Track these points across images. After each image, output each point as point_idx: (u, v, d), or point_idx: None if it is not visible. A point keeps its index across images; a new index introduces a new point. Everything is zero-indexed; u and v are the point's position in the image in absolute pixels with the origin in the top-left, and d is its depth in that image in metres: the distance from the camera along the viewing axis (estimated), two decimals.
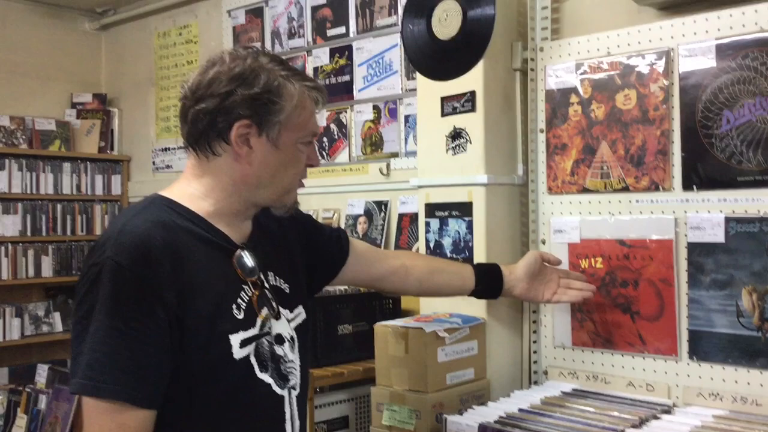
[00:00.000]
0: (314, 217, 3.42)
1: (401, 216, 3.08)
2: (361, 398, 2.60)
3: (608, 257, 2.16)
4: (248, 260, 1.36)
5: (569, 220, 2.26)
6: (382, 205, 3.16)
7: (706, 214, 1.97)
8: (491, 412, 1.98)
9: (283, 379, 1.37)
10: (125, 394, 1.19)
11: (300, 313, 1.49)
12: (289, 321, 1.43)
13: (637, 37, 2.12)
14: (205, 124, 1.32)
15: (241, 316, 1.31)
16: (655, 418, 1.89)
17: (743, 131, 1.91)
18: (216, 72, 1.32)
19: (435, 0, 2.33)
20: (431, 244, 2.44)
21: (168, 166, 4.48)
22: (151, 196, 1.39)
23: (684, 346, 2.02)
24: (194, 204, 1.35)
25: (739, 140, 1.92)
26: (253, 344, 1.32)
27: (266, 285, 1.39)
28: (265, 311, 1.36)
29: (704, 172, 1.98)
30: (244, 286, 1.34)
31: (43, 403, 2.87)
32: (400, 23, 2.52)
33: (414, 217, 2.94)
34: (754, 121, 1.90)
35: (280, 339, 1.39)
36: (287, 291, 1.46)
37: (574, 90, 2.25)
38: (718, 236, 1.95)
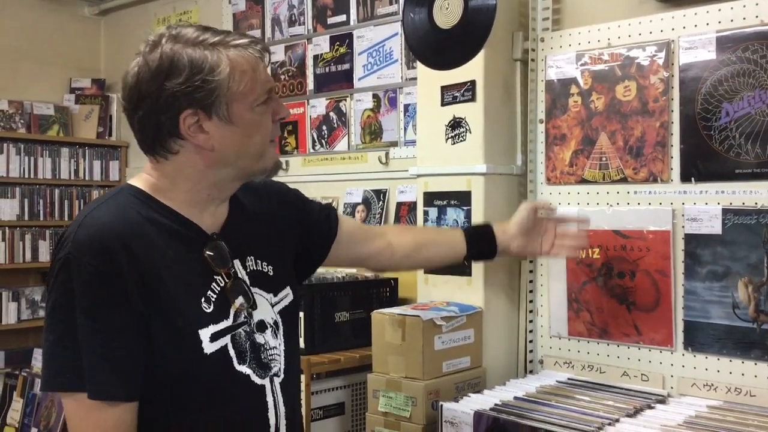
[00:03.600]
0: None
1: (399, 205, 3.08)
2: (358, 385, 2.61)
3: (605, 248, 2.17)
4: (218, 251, 1.31)
5: (567, 210, 2.26)
6: (380, 194, 3.16)
7: (704, 206, 1.98)
8: (487, 399, 1.99)
9: (263, 368, 1.33)
10: (104, 392, 1.18)
11: (286, 296, 1.44)
12: (273, 305, 1.39)
13: (638, 29, 2.12)
14: (152, 128, 1.27)
15: (210, 309, 1.27)
16: (650, 407, 1.90)
17: (742, 124, 1.92)
18: (138, 71, 1.26)
19: None
20: None
21: None
22: (122, 185, 1.35)
23: (679, 336, 2.03)
24: (163, 194, 1.31)
25: (738, 133, 1.92)
26: (228, 336, 1.28)
27: (240, 274, 1.35)
28: (239, 301, 1.31)
29: (702, 164, 1.99)
30: (216, 277, 1.30)
31: (39, 387, 2.88)
32: (401, 12, 2.51)
33: (412, 206, 2.95)
34: (753, 114, 1.90)
35: (261, 326, 1.35)
36: (271, 274, 1.41)
37: (575, 81, 2.25)
38: (715, 228, 1.96)
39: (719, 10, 1.98)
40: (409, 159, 3.00)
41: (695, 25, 2.02)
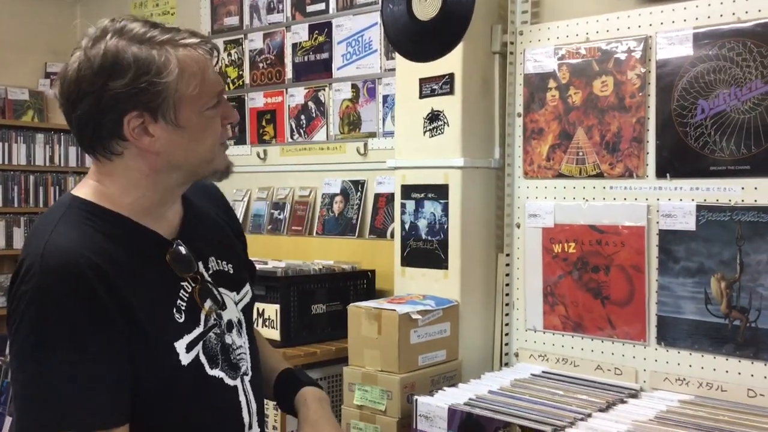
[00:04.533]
0: (291, 195, 3.42)
1: (377, 196, 3.07)
2: (334, 377, 2.61)
3: (581, 242, 2.18)
4: (182, 256, 1.25)
5: (544, 204, 2.27)
6: (358, 185, 3.15)
7: (678, 202, 1.99)
8: (461, 393, 2.00)
9: (234, 368, 1.31)
10: (99, 422, 1.11)
11: (247, 293, 1.41)
12: (236, 303, 1.36)
13: (616, 24, 2.13)
14: (92, 128, 1.18)
15: (182, 319, 1.22)
16: (622, 402, 1.92)
17: (717, 121, 1.93)
18: (79, 67, 1.16)
19: None
20: (406, 226, 2.44)
21: None
22: (66, 198, 1.25)
23: (652, 331, 2.05)
24: (114, 203, 1.22)
25: (713, 130, 1.94)
26: (200, 343, 1.24)
27: (206, 276, 1.30)
28: (208, 304, 1.27)
29: (677, 160, 2.00)
30: (182, 283, 1.25)
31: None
32: (380, 2, 2.49)
33: (390, 198, 2.94)
34: (728, 111, 1.91)
35: (229, 326, 1.31)
36: (231, 272, 1.37)
37: (553, 75, 2.25)
38: (689, 224, 1.97)
39: (697, 6, 1.99)
40: (387, 150, 2.99)
41: (673, 21, 2.02)
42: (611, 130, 2.13)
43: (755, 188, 1.87)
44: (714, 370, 1.94)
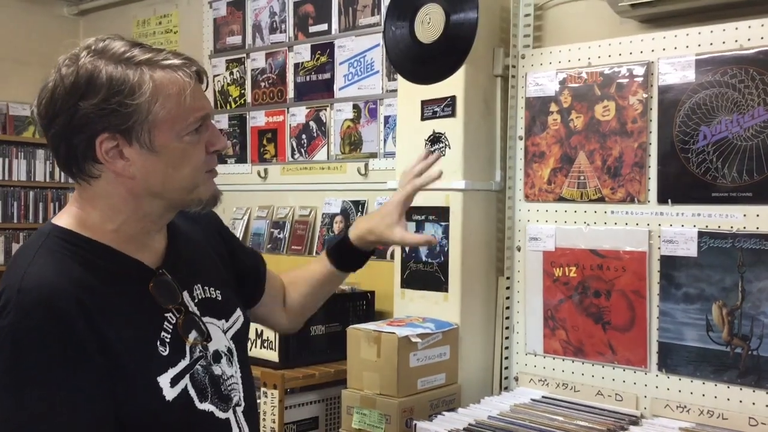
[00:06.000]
0: (291, 214, 3.41)
1: None
2: (332, 399, 2.59)
3: (582, 267, 2.17)
4: (165, 286, 1.21)
5: (545, 227, 2.27)
6: (359, 205, 3.15)
7: (680, 228, 1.99)
8: (460, 419, 1.98)
9: (225, 401, 1.26)
10: None
11: (238, 319, 1.36)
12: (225, 332, 1.31)
13: (618, 49, 2.13)
14: (65, 149, 1.14)
15: (166, 352, 1.17)
16: (623, 429, 1.90)
17: (719, 147, 1.93)
18: (54, 85, 1.13)
19: (418, 3, 2.32)
20: (407, 248, 2.43)
21: None
22: (46, 227, 1.21)
23: (653, 357, 2.03)
24: (95, 232, 1.18)
25: (715, 156, 1.93)
26: (187, 377, 1.19)
27: (190, 306, 1.25)
28: (193, 336, 1.22)
29: (679, 186, 2.00)
30: (166, 314, 1.20)
31: None
32: (382, 24, 2.50)
33: None
34: (730, 138, 1.91)
35: (216, 357, 1.27)
36: (220, 298, 1.33)
37: (554, 99, 2.25)
38: (690, 250, 1.96)
39: (699, 33, 1.99)
40: (388, 171, 2.99)
41: (675, 48, 2.03)
42: (613, 154, 2.13)
43: (757, 215, 1.87)
44: (715, 397, 1.92)
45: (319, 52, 3.31)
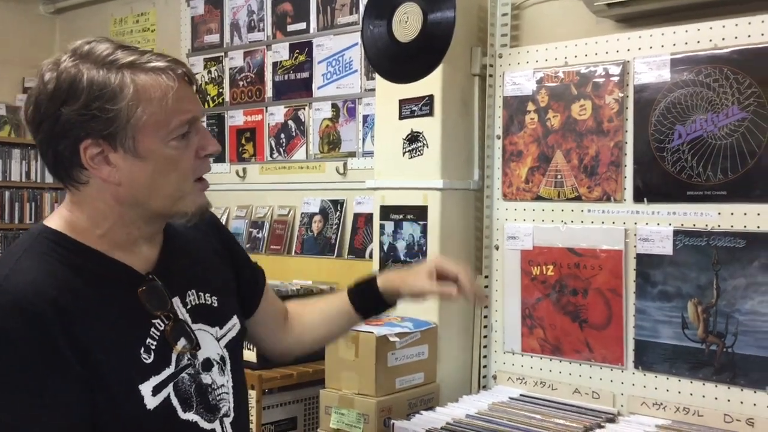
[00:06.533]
0: (270, 213, 3.40)
1: (357, 216, 3.07)
2: (310, 399, 2.59)
3: (559, 265, 2.18)
4: (154, 292, 1.18)
5: (522, 226, 2.27)
6: (338, 204, 3.14)
7: (655, 226, 2.00)
8: (439, 417, 1.98)
9: (212, 411, 1.23)
10: None
11: (233, 326, 1.33)
12: (219, 339, 1.28)
13: (595, 49, 2.14)
14: (52, 155, 1.13)
15: (150, 360, 1.15)
16: (599, 426, 1.91)
17: (694, 146, 1.94)
18: (37, 92, 1.12)
19: (396, 2, 2.32)
20: (385, 247, 2.43)
21: None
22: (37, 228, 1.20)
23: (630, 355, 2.04)
24: (84, 236, 1.16)
25: (690, 155, 1.95)
26: (170, 385, 1.17)
27: (180, 313, 1.23)
28: (181, 344, 1.20)
29: (655, 185, 2.01)
30: (154, 321, 1.18)
31: None
32: (360, 22, 2.50)
33: (369, 218, 2.93)
34: (705, 137, 1.93)
35: (207, 365, 1.24)
36: (215, 305, 1.30)
37: (532, 98, 2.26)
38: (666, 249, 1.98)
39: (674, 32, 2.00)
40: (367, 170, 2.98)
41: (650, 47, 2.04)
42: (589, 153, 2.14)
43: (731, 214, 1.88)
44: (691, 394, 1.94)
45: (297, 50, 3.30)
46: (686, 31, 1.98)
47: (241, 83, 3.53)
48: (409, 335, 2.18)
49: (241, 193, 3.54)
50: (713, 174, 1.91)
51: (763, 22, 1.86)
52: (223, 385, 1.26)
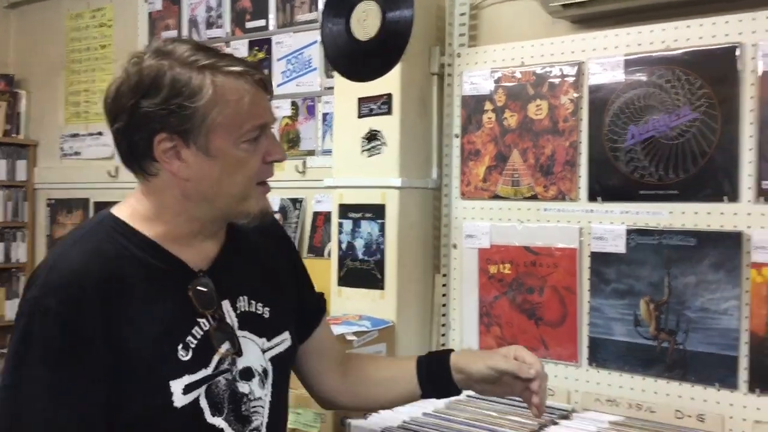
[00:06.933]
0: None
1: (316, 214, 3.05)
2: None
3: (516, 264, 2.20)
4: (203, 290, 1.20)
5: (480, 225, 2.28)
6: (297, 203, 3.13)
7: (609, 225, 2.03)
8: (395, 416, 1.98)
9: (242, 420, 1.22)
10: None
11: (283, 341, 1.32)
12: (264, 351, 1.27)
13: (550, 49, 2.16)
14: (126, 145, 1.18)
15: (188, 357, 1.15)
16: (554, 423, 1.93)
17: (647, 146, 1.97)
18: (120, 84, 1.17)
19: (354, 0, 2.31)
20: (343, 246, 2.43)
21: (77, 153, 4.30)
22: (102, 214, 1.24)
23: (584, 352, 2.07)
24: (146, 226, 1.20)
25: (643, 155, 1.98)
26: (203, 387, 1.17)
27: (228, 316, 1.23)
28: (225, 347, 1.20)
29: (608, 184, 2.04)
30: (199, 320, 1.19)
31: None
32: (320, 20, 2.49)
33: (329, 216, 2.92)
34: (657, 137, 1.96)
35: (247, 374, 1.23)
36: (266, 316, 1.29)
37: (489, 97, 2.27)
38: (619, 247, 2.00)
39: (628, 34, 2.03)
40: (326, 168, 2.96)
41: (605, 48, 2.06)
42: (545, 153, 2.16)
43: (682, 213, 1.92)
44: (643, 391, 1.97)
45: (256, 48, 3.27)
46: (639, 32, 2.01)
47: None
48: (366, 334, 2.18)
49: None
50: (665, 174, 1.94)
51: (713, 23, 1.89)
52: (260, 398, 1.26)
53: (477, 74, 2.30)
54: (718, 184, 1.86)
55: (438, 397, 1.55)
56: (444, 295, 2.36)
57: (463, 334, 2.31)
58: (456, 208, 2.35)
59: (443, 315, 2.36)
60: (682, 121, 1.92)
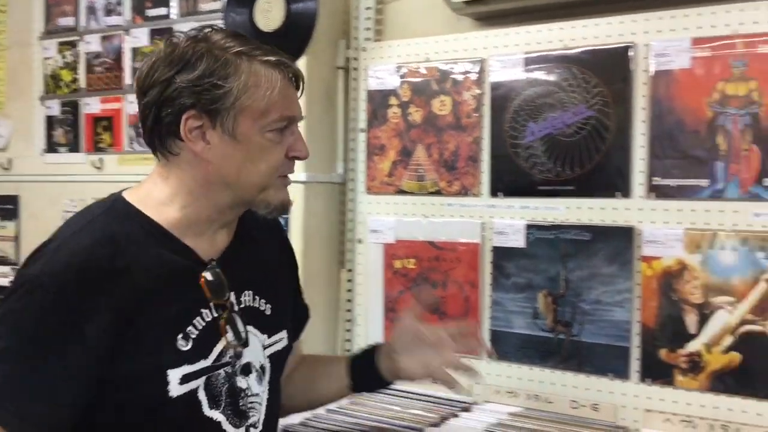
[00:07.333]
0: None
1: None
2: None
3: (420, 258, 2.21)
4: (216, 279, 1.19)
5: (386, 220, 2.29)
6: None
7: (509, 220, 2.06)
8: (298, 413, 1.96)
9: (239, 416, 1.21)
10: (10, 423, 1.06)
11: (281, 339, 1.33)
12: (264, 347, 1.28)
13: (454, 46, 2.18)
14: (152, 119, 1.17)
15: (187, 347, 1.14)
16: (455, 416, 1.95)
17: (545, 143, 2.01)
18: (156, 58, 1.18)
19: None
20: None
21: None
22: (115, 196, 1.24)
23: (486, 345, 2.10)
24: (158, 212, 1.19)
25: (541, 151, 2.02)
26: (202, 378, 1.16)
27: (236, 308, 1.22)
28: (230, 337, 1.20)
29: (509, 180, 2.07)
30: (203, 310, 1.18)
31: None
32: (223, 9, 2.43)
33: None
34: (555, 134, 2.00)
35: (246, 369, 1.23)
36: (268, 313, 1.30)
37: (394, 92, 2.27)
38: (519, 242, 2.04)
39: (528, 32, 2.07)
40: None
41: (506, 46, 2.09)
42: (449, 148, 2.17)
43: (578, 207, 1.97)
44: (541, 382, 2.01)
45: (158, 36, 3.17)
46: (539, 31, 2.05)
47: (97, 69, 3.35)
48: None
49: (98, 185, 3.35)
50: (562, 170, 1.99)
51: (609, 23, 1.95)
52: (257, 395, 1.25)
53: (382, 69, 2.30)
54: (611, 180, 1.92)
55: (366, 390, 1.60)
56: (349, 290, 2.35)
57: (368, 330, 2.31)
58: (361, 203, 2.34)
59: (348, 310, 2.35)
60: (578, 118, 1.97)
